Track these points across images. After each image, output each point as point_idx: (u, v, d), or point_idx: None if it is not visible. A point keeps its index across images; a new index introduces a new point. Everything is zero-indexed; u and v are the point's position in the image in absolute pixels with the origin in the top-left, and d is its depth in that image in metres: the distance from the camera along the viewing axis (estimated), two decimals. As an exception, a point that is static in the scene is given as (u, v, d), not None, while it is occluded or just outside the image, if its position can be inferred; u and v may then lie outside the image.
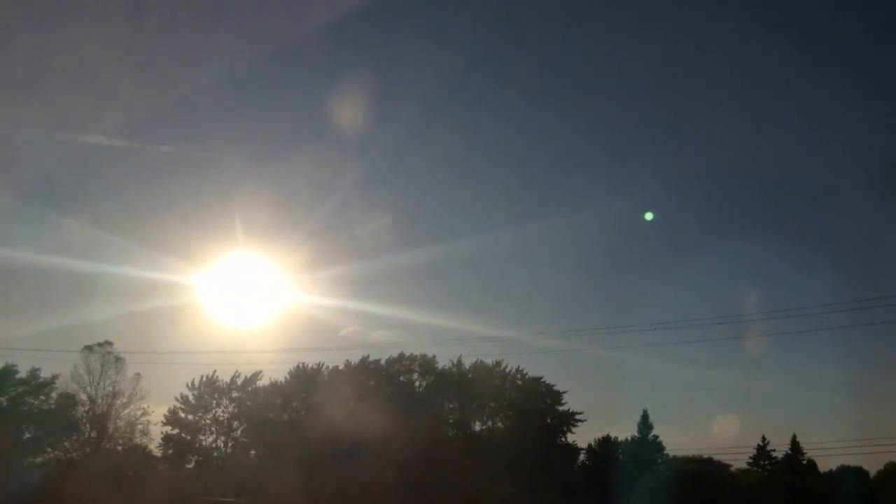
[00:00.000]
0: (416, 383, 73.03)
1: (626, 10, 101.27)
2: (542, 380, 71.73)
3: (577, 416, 71.08)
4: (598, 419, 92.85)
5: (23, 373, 66.04)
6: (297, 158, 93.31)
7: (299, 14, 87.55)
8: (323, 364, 73.44)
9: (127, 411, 67.76)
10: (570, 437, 71.67)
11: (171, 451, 70.18)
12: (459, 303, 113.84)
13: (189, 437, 70.95)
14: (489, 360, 71.95)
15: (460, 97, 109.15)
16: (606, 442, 73.93)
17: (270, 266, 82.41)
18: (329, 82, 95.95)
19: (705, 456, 72.30)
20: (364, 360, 72.89)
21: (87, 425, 67.20)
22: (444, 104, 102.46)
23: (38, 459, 64.12)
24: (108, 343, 68.11)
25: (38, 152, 79.84)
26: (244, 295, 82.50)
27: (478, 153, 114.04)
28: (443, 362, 72.76)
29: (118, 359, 67.83)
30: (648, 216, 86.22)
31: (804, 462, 69.66)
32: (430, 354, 73.01)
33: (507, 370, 72.13)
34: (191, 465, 70.77)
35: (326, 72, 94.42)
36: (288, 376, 73.61)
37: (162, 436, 69.91)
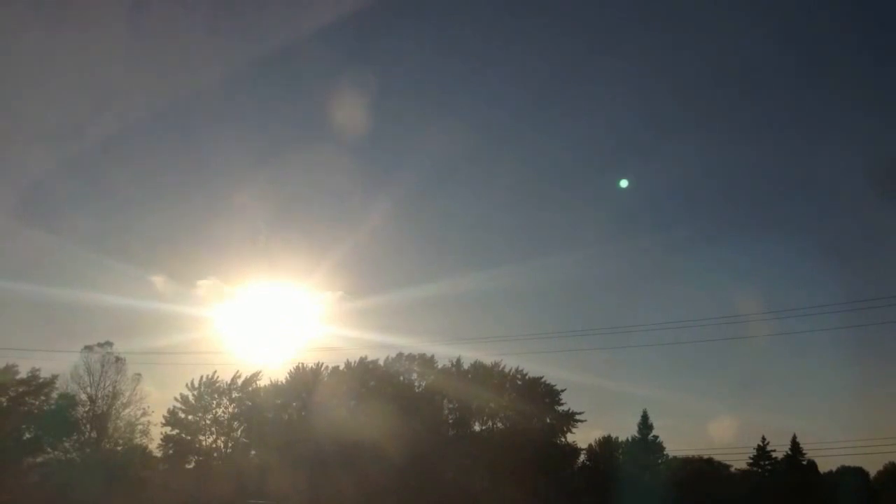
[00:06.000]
0: (416, 383, 72.99)
1: (627, 12, 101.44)
2: (542, 380, 71.72)
3: (577, 417, 71.07)
4: (599, 419, 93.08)
5: (23, 373, 66.13)
6: (296, 161, 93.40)
7: (300, 14, 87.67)
8: (323, 364, 73.58)
9: (127, 411, 67.62)
10: (570, 438, 71.73)
11: (171, 452, 70.02)
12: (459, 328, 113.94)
13: (189, 438, 70.76)
14: (489, 361, 72.10)
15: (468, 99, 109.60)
16: (607, 442, 73.90)
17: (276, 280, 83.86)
18: (333, 84, 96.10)
19: (705, 456, 72.48)
20: (364, 361, 72.95)
21: (87, 425, 66.96)
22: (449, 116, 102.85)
23: (39, 459, 64.02)
24: (109, 343, 68.01)
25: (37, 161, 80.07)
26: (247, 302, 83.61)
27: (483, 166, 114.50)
28: (442, 362, 72.89)
29: (118, 359, 67.73)
30: (623, 183, 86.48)
31: (804, 462, 69.46)
32: (429, 354, 73.15)
33: (507, 370, 72.18)
34: (191, 466, 70.57)
35: (327, 73, 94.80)
36: (288, 377, 73.71)
37: (162, 436, 69.90)
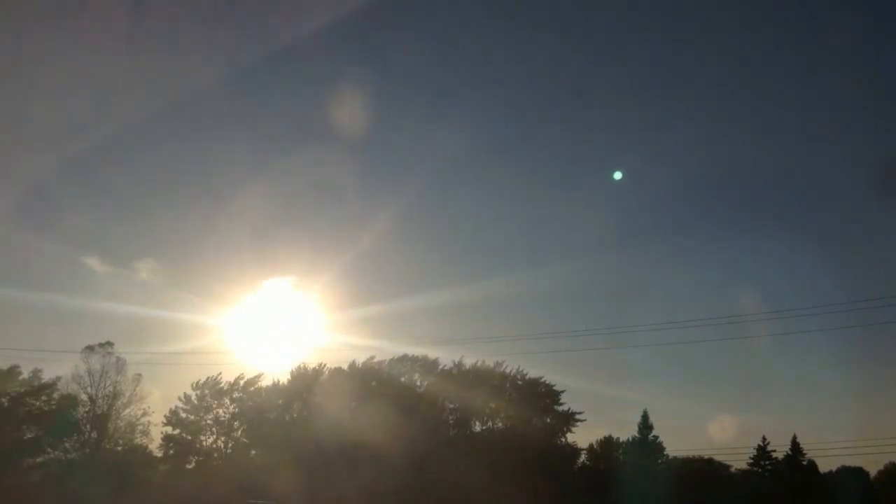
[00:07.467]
0: (417, 384, 72.99)
1: (625, 12, 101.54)
2: (542, 380, 71.79)
3: (577, 417, 71.08)
4: (599, 420, 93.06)
5: (25, 374, 66.23)
6: (296, 162, 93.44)
7: (300, 15, 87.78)
8: (324, 365, 73.61)
9: (127, 412, 67.76)
10: (570, 438, 71.75)
11: (171, 452, 69.95)
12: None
13: (190, 438, 70.68)
14: (489, 361, 72.13)
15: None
16: (607, 442, 73.93)
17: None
18: (333, 86, 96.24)
19: (705, 456, 72.52)
20: (365, 362, 73.00)
21: (88, 426, 67.04)
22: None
23: (39, 460, 64.06)
24: (109, 344, 68.11)
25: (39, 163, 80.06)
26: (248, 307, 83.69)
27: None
28: (443, 363, 72.90)
29: (119, 359, 67.87)
30: (617, 175, 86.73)
31: (804, 462, 69.54)
32: (431, 357, 73.18)
33: (507, 370, 72.23)
34: (191, 466, 70.45)
35: (327, 75, 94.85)
36: (290, 377, 73.67)
37: (162, 436, 69.83)
